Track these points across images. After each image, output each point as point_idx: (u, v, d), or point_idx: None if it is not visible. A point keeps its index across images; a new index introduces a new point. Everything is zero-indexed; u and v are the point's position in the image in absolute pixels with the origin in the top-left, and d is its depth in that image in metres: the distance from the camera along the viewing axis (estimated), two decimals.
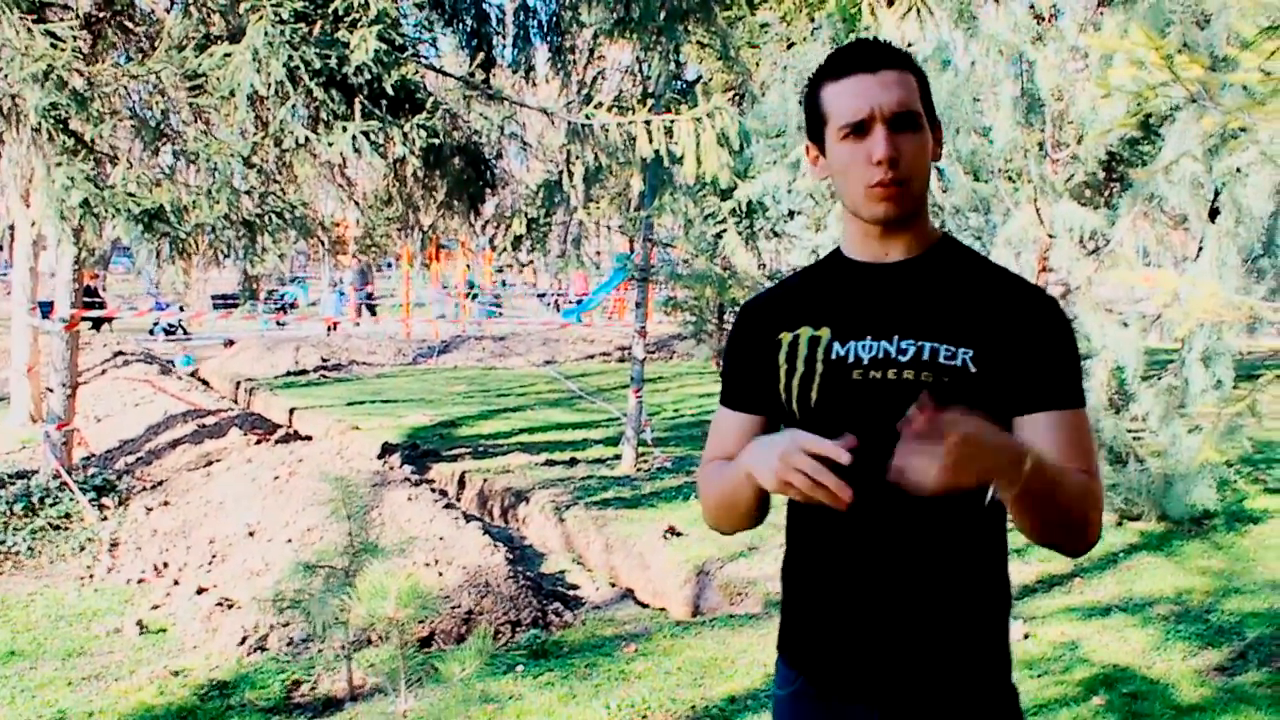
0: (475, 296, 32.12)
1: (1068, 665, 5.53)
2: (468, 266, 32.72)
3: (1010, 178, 8.35)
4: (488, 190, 10.73)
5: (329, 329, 27.15)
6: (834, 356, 1.94)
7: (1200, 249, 7.69)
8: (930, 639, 1.91)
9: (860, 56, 1.92)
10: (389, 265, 46.69)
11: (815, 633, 2.01)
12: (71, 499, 9.28)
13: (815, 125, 1.99)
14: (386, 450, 12.21)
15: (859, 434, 1.77)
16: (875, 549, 1.90)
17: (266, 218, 8.37)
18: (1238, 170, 7.27)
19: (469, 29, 10.60)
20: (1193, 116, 6.69)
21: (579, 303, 34.85)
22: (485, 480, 10.81)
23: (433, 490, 9.51)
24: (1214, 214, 7.60)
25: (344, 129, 7.83)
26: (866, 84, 1.89)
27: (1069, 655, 5.66)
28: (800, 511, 1.99)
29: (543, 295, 41.27)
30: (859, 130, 1.89)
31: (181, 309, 28.29)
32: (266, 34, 7.36)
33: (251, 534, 7.96)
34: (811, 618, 2.02)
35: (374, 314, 32.13)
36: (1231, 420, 5.57)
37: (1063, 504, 1.81)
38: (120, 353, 19.44)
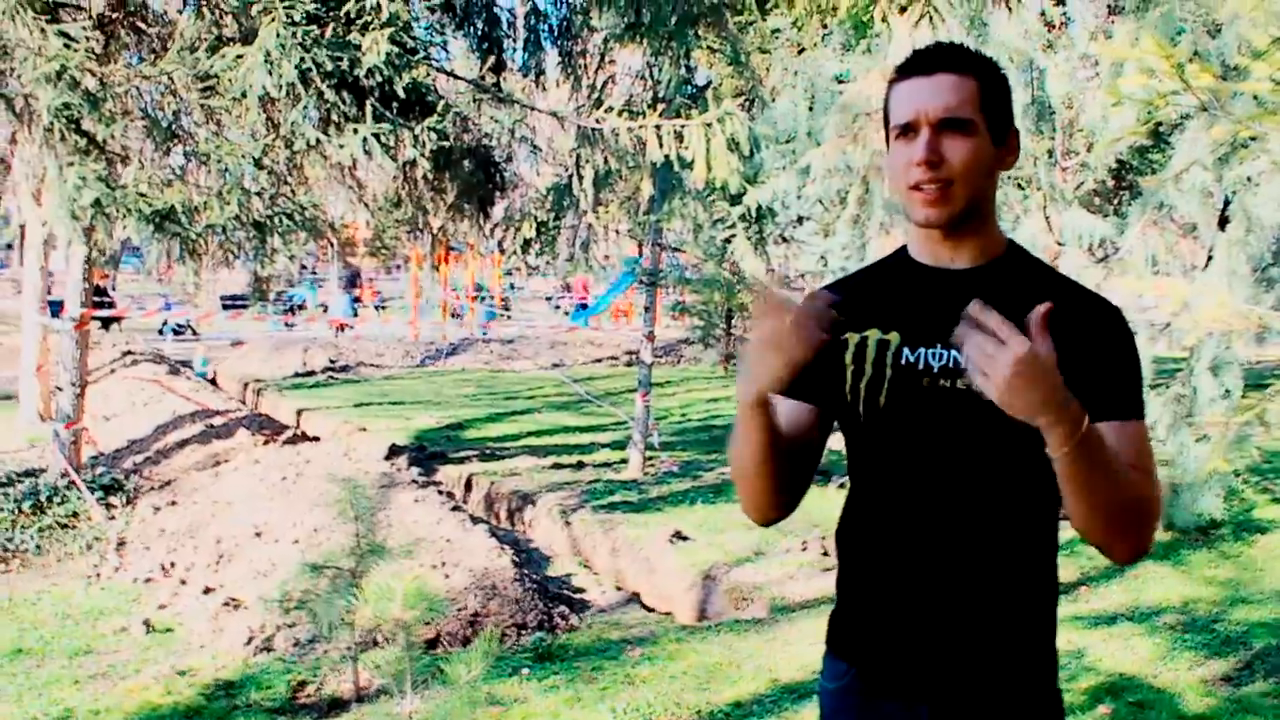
0: (482, 299, 32.12)
1: (1074, 674, 5.52)
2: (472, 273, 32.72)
3: (1020, 185, 8.35)
4: (497, 193, 10.75)
5: (337, 331, 27.17)
6: (904, 362, 1.95)
7: (1209, 258, 7.67)
8: (984, 638, 1.94)
9: (921, 60, 1.94)
10: (398, 267, 46.78)
11: (870, 629, 2.03)
12: (79, 498, 9.30)
13: (886, 126, 2.00)
14: (394, 452, 12.21)
15: (927, 442, 1.82)
16: (932, 549, 1.92)
17: (277, 219, 8.39)
18: (1248, 179, 7.26)
19: (480, 32, 10.61)
20: (1203, 125, 6.68)
21: (581, 306, 34.90)
22: (492, 483, 10.82)
23: (440, 492, 9.53)
24: (1224, 223, 7.59)
25: (355, 131, 7.84)
26: (919, 86, 1.91)
27: (1075, 664, 5.65)
28: (858, 509, 2.01)
29: (549, 298, 41.36)
30: (907, 132, 1.91)
31: (181, 304, 28.24)
32: (279, 36, 7.38)
33: (259, 534, 7.97)
34: (867, 614, 2.04)
35: (355, 315, 31.86)
36: (1240, 430, 5.55)
37: (1115, 488, 1.79)
38: (129, 352, 19.48)
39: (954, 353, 1.91)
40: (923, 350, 1.94)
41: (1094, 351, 1.89)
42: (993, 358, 1.64)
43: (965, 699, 1.95)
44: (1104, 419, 1.87)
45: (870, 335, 1.99)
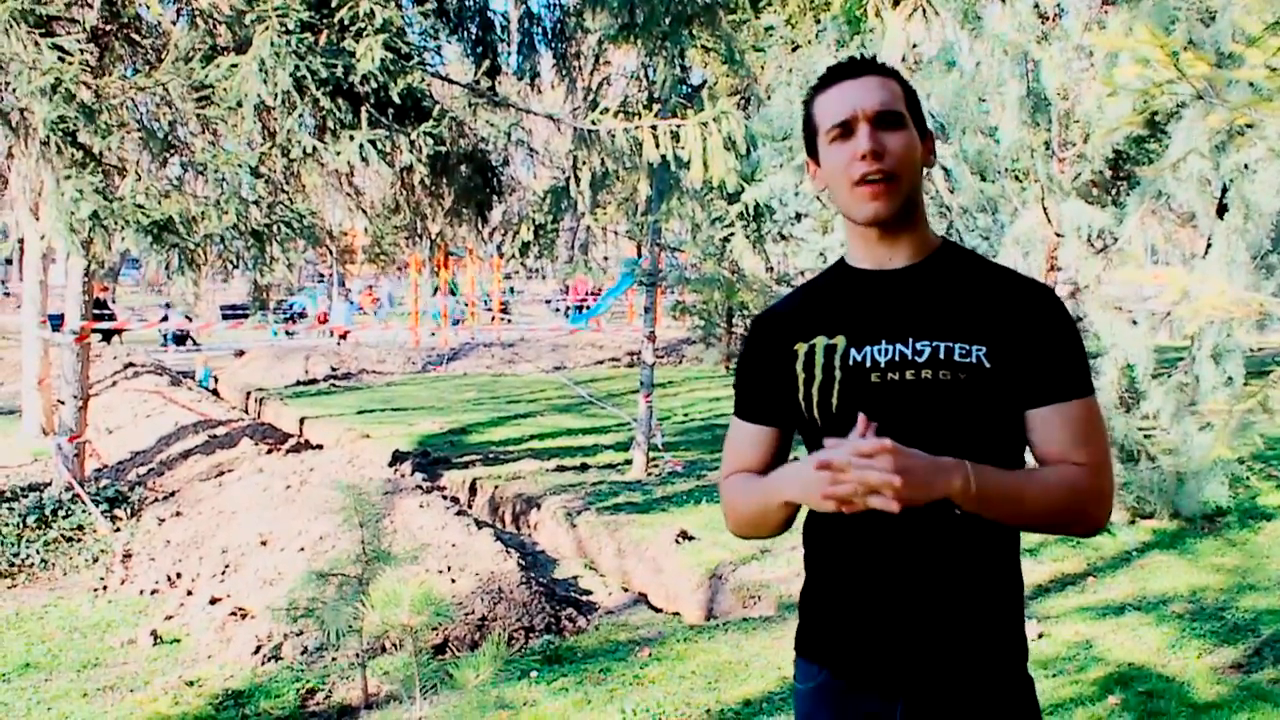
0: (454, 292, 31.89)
1: (1082, 664, 5.52)
2: (437, 271, 32.49)
3: (1017, 177, 8.34)
4: (495, 197, 10.75)
5: (339, 339, 27.17)
6: (851, 363, 2.00)
7: (1209, 246, 7.67)
8: (952, 630, 1.97)
9: (844, 68, 2.03)
10: (399, 271, 46.82)
11: (840, 628, 2.06)
12: (84, 511, 9.30)
13: (810, 139, 2.08)
14: (397, 458, 12.21)
15: (883, 434, 1.83)
16: (896, 546, 1.96)
17: (275, 227, 8.38)
18: (1245, 167, 7.26)
19: (474, 37, 10.62)
20: (1199, 113, 6.67)
21: (578, 308, 34.97)
22: (496, 487, 10.81)
23: (444, 497, 9.53)
24: (1222, 211, 7.58)
25: (351, 138, 7.85)
26: (849, 88, 1.99)
27: (1083, 654, 5.65)
28: (818, 514, 2.03)
29: (549, 301, 41.45)
30: (846, 131, 1.97)
31: (174, 317, 28.14)
32: (273, 44, 7.38)
33: (264, 543, 7.97)
34: (836, 614, 2.07)
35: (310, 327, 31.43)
36: (1243, 417, 5.55)
37: (1032, 508, 1.93)
38: (130, 364, 19.48)
39: (899, 346, 1.98)
40: (869, 348, 2.00)
41: (1033, 336, 1.96)
42: (873, 472, 1.75)
43: (939, 691, 1.98)
44: (1048, 402, 1.97)
45: (817, 342, 2.05)
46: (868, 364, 1.98)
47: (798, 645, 2.17)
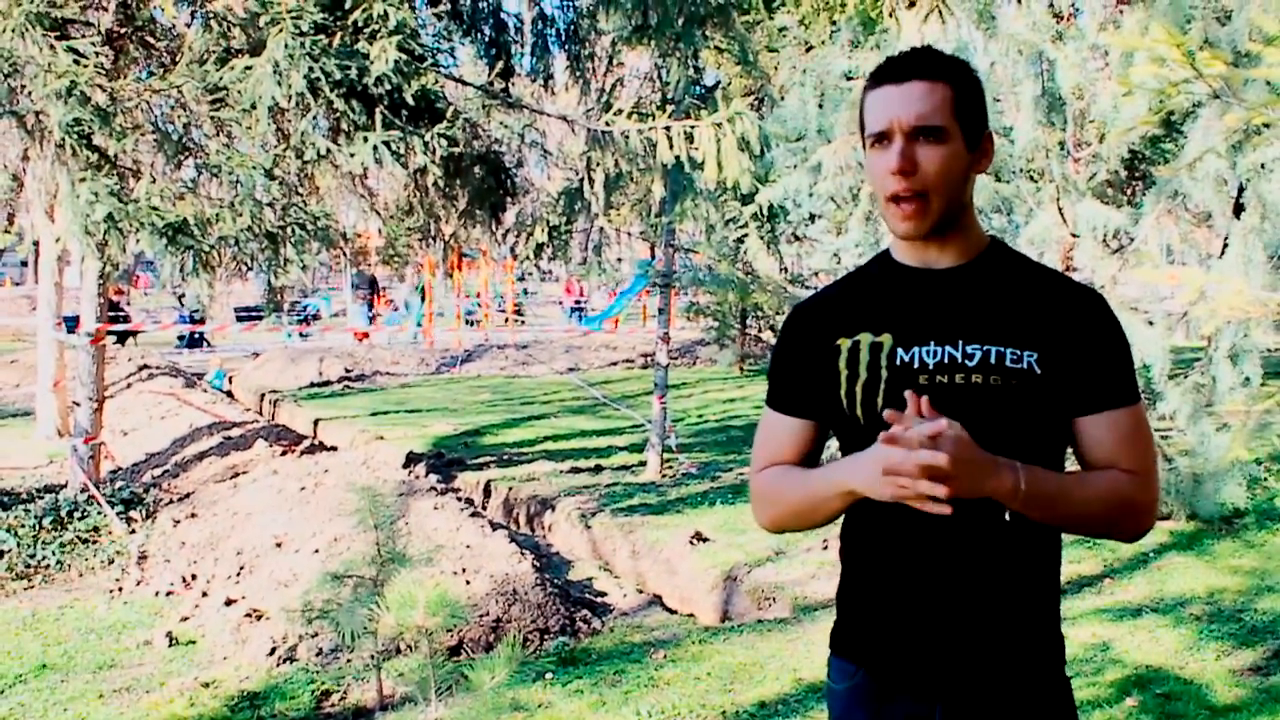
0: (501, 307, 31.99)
1: (1099, 666, 5.49)
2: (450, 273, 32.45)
3: (1032, 177, 8.32)
4: (509, 199, 10.74)
5: (359, 341, 27.20)
6: (899, 362, 1.97)
7: (1225, 246, 7.63)
8: (992, 633, 1.96)
9: (894, 67, 1.97)
10: (416, 272, 46.90)
11: (878, 629, 2.05)
12: (99, 512, 9.32)
13: (862, 131, 2.05)
14: (412, 460, 12.22)
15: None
16: (937, 547, 1.95)
17: (289, 229, 8.40)
18: (1262, 166, 7.22)
19: (487, 38, 10.61)
20: (1216, 113, 6.64)
21: (575, 307, 35.10)
22: (511, 488, 10.81)
23: (459, 499, 9.52)
24: (1239, 210, 7.54)
25: (365, 139, 7.85)
26: (891, 95, 1.94)
27: (1100, 656, 5.63)
28: (859, 512, 2.02)
29: (560, 302, 41.56)
30: (882, 140, 1.95)
31: (192, 318, 28.10)
32: (287, 46, 7.39)
33: (279, 545, 7.97)
34: (875, 614, 2.06)
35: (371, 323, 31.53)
36: (1261, 417, 5.53)
37: (1079, 511, 1.92)
38: (145, 366, 19.54)
39: (948, 349, 1.95)
40: (917, 349, 1.97)
41: (1081, 343, 1.94)
42: (932, 458, 1.73)
43: (978, 695, 1.97)
44: (1102, 409, 1.94)
45: (862, 339, 2.02)
46: (915, 365, 1.96)
47: (833, 643, 2.16)
